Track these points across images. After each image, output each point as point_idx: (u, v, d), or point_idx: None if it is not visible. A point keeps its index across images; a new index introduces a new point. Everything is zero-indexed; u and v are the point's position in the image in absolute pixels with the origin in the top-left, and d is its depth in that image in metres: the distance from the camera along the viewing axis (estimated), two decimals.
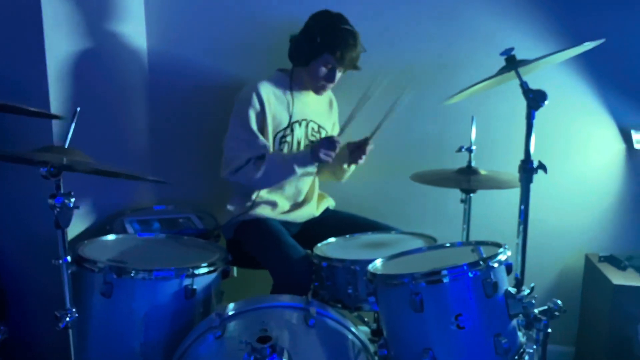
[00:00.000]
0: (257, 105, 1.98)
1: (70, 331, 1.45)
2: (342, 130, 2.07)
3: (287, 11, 2.27)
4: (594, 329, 2.17)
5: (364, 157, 2.03)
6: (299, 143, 2.10)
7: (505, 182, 1.88)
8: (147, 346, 1.57)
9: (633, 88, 2.15)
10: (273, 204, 2.10)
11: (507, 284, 1.40)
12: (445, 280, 1.34)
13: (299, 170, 1.97)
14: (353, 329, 1.51)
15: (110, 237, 1.85)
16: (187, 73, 2.41)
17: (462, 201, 2.03)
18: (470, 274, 1.33)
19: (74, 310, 1.44)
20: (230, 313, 1.47)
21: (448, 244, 1.68)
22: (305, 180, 2.17)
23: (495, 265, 1.36)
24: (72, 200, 1.36)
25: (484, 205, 2.15)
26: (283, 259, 1.85)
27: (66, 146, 1.45)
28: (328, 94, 2.23)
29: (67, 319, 1.42)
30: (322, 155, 1.91)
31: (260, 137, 1.99)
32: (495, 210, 2.23)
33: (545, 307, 1.37)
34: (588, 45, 1.49)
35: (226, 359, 1.37)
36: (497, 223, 2.15)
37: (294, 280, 1.80)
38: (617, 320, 1.98)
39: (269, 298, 1.59)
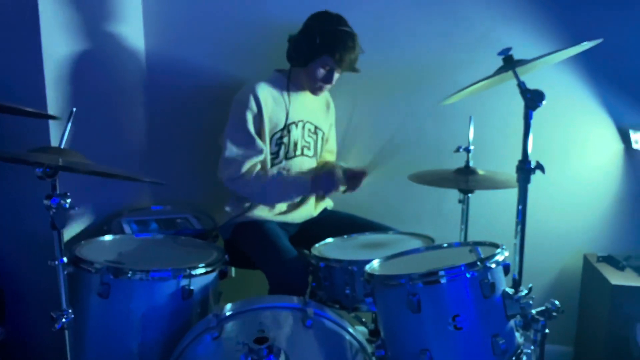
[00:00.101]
0: (255, 108, 1.97)
1: (66, 332, 1.45)
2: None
3: (285, 12, 2.26)
4: (593, 329, 2.17)
5: (360, 186, 2.07)
6: (295, 144, 2.10)
7: (503, 182, 1.88)
8: (145, 347, 1.57)
9: (631, 88, 2.15)
10: (270, 205, 2.10)
11: (504, 285, 1.40)
12: (443, 280, 1.33)
13: (295, 197, 2.09)
14: (350, 330, 1.51)
15: (108, 237, 1.85)
16: (184, 73, 2.41)
17: (460, 201, 2.03)
18: (467, 275, 1.33)
19: (70, 311, 1.44)
20: (228, 314, 1.47)
21: (446, 245, 1.67)
22: None
23: (493, 265, 1.36)
24: (68, 201, 1.36)
25: (482, 205, 2.15)
26: (277, 262, 1.86)
27: (62, 147, 1.44)
28: (325, 95, 2.23)
29: (63, 319, 1.42)
30: (320, 192, 2.02)
31: (257, 139, 1.99)
32: (493, 211, 2.23)
33: (543, 308, 1.37)
34: (586, 45, 1.49)
35: (223, 359, 1.36)
36: (495, 223, 2.15)
37: (288, 283, 1.80)
38: (615, 320, 1.98)
39: (267, 299, 1.59)
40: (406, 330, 1.39)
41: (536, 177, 1.41)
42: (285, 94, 2.07)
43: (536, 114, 1.38)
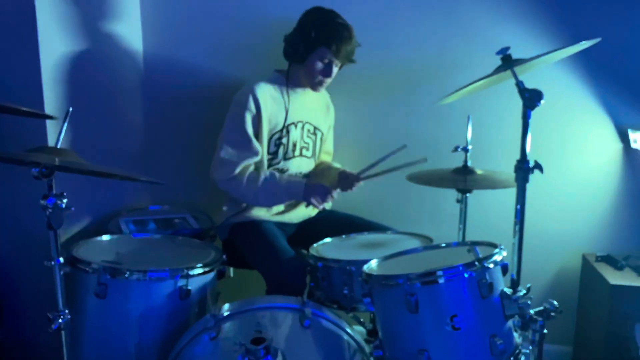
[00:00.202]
0: (253, 109, 1.97)
1: (62, 332, 1.44)
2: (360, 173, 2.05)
3: (285, 11, 2.25)
4: (592, 328, 2.16)
5: (351, 190, 2.05)
6: (294, 145, 2.09)
7: (501, 181, 1.88)
8: (142, 347, 1.57)
9: (630, 87, 2.14)
10: None
11: (502, 285, 1.40)
12: (441, 281, 1.33)
13: (286, 202, 2.08)
14: (348, 330, 1.51)
15: (105, 237, 1.85)
16: (182, 73, 2.40)
17: (458, 201, 2.02)
18: (465, 275, 1.33)
19: (66, 311, 1.43)
20: (225, 314, 1.47)
21: (444, 244, 1.67)
22: None
23: (491, 265, 1.36)
24: (65, 201, 1.35)
25: (480, 205, 2.15)
26: (274, 263, 1.86)
27: (58, 146, 1.44)
28: (325, 98, 2.23)
29: (60, 320, 1.42)
30: (312, 201, 1.98)
31: (254, 141, 1.98)
32: (491, 210, 2.23)
33: (541, 308, 1.36)
34: (584, 44, 1.48)
35: None
36: (493, 223, 2.14)
37: (286, 283, 1.80)
38: (614, 320, 1.98)
39: (264, 299, 1.59)
40: (404, 330, 1.39)
41: (534, 177, 1.40)
42: (285, 94, 2.06)
43: (534, 114, 1.38)
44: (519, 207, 1.42)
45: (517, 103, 1.38)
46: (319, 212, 2.24)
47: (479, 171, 1.95)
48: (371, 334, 1.91)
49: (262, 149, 2.01)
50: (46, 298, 1.52)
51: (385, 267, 1.55)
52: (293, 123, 2.08)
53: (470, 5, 2.19)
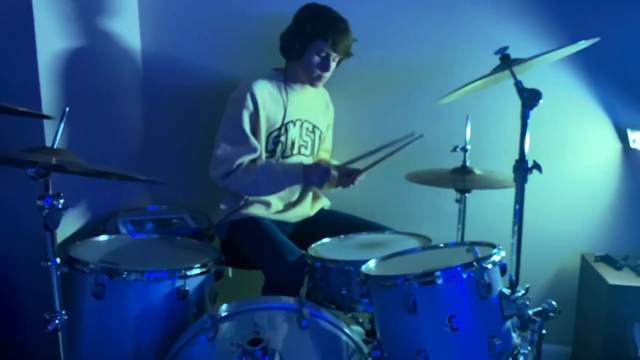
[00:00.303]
0: (251, 106, 1.96)
1: (59, 333, 1.43)
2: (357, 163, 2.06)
3: (284, 10, 2.24)
4: (590, 328, 2.16)
5: (353, 184, 2.04)
6: (292, 143, 2.09)
7: (500, 181, 1.87)
8: (139, 348, 1.56)
9: (629, 86, 2.14)
10: (266, 204, 2.09)
11: (501, 285, 1.39)
12: (439, 281, 1.32)
13: (287, 187, 2.04)
14: (347, 330, 1.50)
15: (103, 237, 1.84)
16: (181, 72, 2.39)
17: (457, 201, 2.02)
18: (464, 275, 1.32)
19: (63, 312, 1.43)
20: (223, 314, 1.46)
21: (442, 245, 1.67)
22: None
23: (489, 266, 1.36)
24: (61, 201, 1.35)
25: (479, 205, 2.15)
26: (276, 257, 1.84)
27: (55, 146, 1.43)
28: (325, 97, 2.22)
29: (57, 321, 1.41)
30: (313, 179, 1.98)
31: (252, 138, 1.97)
32: (490, 210, 2.22)
33: (540, 308, 1.36)
34: (583, 44, 1.48)
35: None
36: (491, 223, 2.14)
37: (286, 279, 1.79)
38: (613, 320, 1.97)
39: (263, 299, 1.58)
40: (402, 331, 1.38)
41: (533, 177, 1.40)
42: (283, 92, 2.05)
43: (533, 113, 1.37)
44: (517, 207, 1.41)
45: (516, 103, 1.38)
46: (318, 212, 2.24)
47: (477, 171, 1.95)
48: (369, 334, 1.91)
49: (260, 147, 2.00)
50: (44, 298, 1.52)
51: (384, 268, 1.54)
52: (292, 121, 2.07)
53: (470, 5, 2.18)
